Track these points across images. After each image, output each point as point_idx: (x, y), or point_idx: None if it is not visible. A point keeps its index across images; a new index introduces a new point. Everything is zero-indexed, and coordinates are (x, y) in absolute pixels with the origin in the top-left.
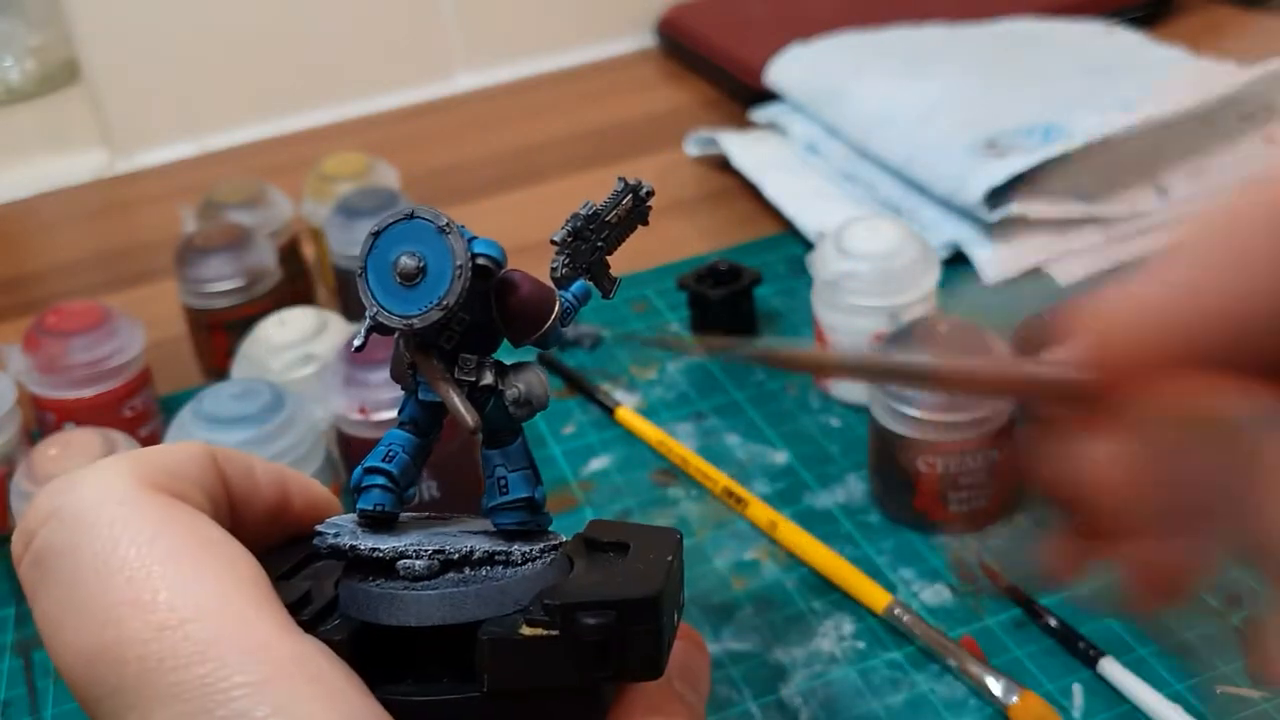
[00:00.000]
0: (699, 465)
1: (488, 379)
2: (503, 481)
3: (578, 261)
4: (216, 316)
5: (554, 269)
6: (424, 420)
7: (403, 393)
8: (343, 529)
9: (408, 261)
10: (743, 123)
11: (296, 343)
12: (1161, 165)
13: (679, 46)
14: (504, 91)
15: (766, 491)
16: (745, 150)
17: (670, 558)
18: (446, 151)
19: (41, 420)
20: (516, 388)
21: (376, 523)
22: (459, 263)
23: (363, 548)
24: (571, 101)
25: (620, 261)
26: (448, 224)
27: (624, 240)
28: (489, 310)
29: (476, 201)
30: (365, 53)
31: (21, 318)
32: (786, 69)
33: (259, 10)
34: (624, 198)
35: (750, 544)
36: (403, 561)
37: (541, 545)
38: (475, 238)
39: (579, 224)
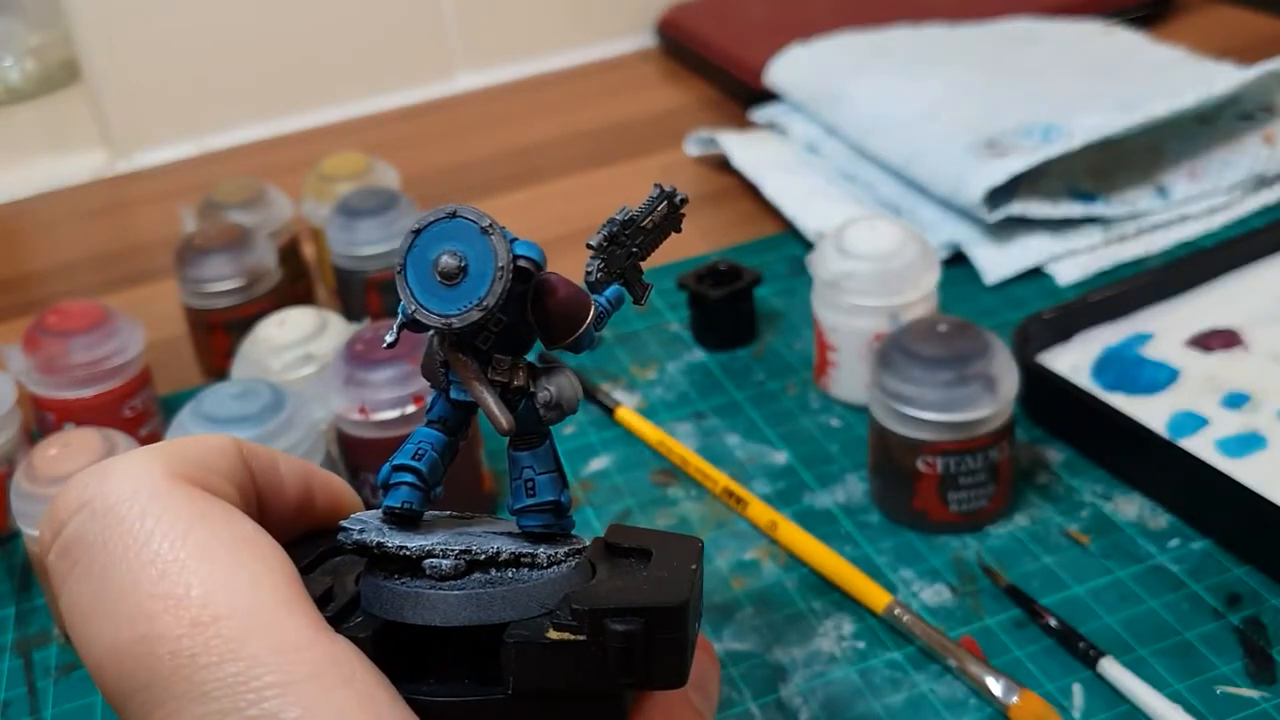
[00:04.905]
0: (699, 465)
1: (520, 381)
2: (530, 484)
3: (612, 266)
4: (216, 316)
5: (589, 273)
6: (454, 419)
7: (430, 390)
8: (368, 525)
9: (449, 260)
10: (743, 123)
11: (296, 343)
12: (1161, 165)
13: (679, 46)
14: (504, 91)
15: (766, 491)
16: (745, 150)
17: (694, 566)
18: (446, 151)
19: (41, 420)
20: (548, 390)
21: (402, 521)
22: (501, 264)
23: (390, 545)
24: (571, 101)
25: None
26: (491, 224)
27: (657, 246)
28: (524, 312)
29: (477, 201)
30: (365, 52)
31: (21, 318)
32: (786, 69)
33: (259, 10)
34: (659, 204)
35: (750, 544)
36: (429, 560)
37: (565, 549)
38: (515, 239)
39: (615, 229)
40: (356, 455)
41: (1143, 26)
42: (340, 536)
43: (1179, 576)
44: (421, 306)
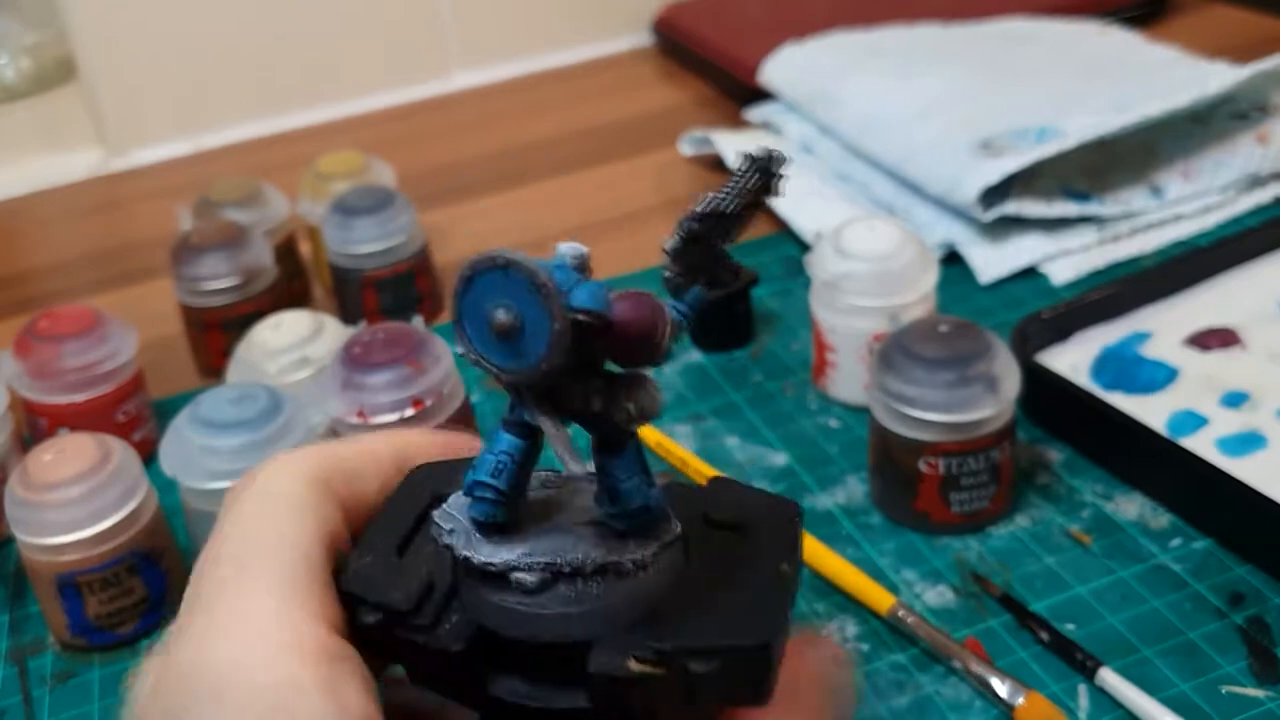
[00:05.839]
0: (698, 467)
1: (598, 406)
2: (616, 492)
3: (695, 268)
4: (213, 315)
5: (667, 279)
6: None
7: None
8: (457, 525)
9: (503, 318)
10: (740, 122)
11: (292, 346)
12: (1155, 164)
13: (675, 45)
14: (500, 90)
15: None
16: (739, 150)
17: (784, 566)
18: (443, 150)
19: (33, 425)
20: (627, 409)
21: (489, 528)
22: (557, 326)
23: (475, 560)
24: (568, 100)
25: (613, 263)
26: (544, 282)
27: (747, 226)
28: (594, 348)
29: (473, 200)
30: (362, 51)
31: (17, 316)
32: (780, 69)
33: (255, 8)
34: (749, 180)
35: None
36: (515, 574)
37: (655, 546)
38: (574, 287)
39: (695, 227)
40: None
41: (1137, 26)
42: (432, 532)
43: (1181, 576)
44: (482, 357)
